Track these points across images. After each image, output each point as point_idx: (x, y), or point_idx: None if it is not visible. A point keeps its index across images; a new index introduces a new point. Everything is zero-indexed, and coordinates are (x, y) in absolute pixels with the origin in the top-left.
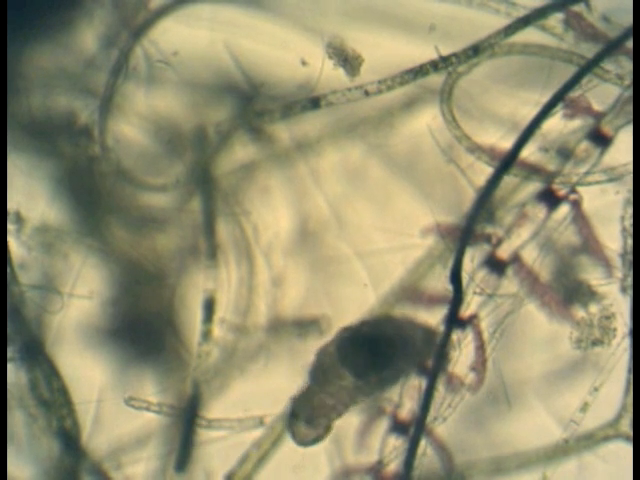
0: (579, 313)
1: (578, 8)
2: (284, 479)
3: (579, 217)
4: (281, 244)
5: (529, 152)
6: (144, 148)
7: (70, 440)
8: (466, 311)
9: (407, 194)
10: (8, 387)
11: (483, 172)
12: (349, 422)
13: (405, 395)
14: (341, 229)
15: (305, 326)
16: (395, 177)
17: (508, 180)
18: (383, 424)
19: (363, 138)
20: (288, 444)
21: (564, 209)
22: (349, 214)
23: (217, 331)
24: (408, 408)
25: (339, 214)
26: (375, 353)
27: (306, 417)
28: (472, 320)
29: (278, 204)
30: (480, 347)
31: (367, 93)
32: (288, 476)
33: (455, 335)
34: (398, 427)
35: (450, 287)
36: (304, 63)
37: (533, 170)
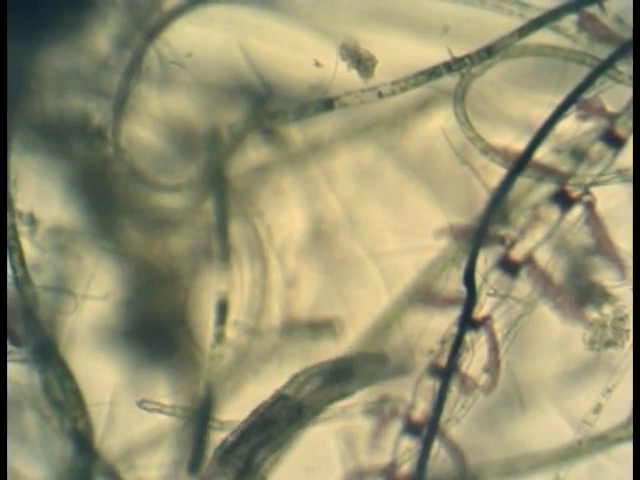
0: (592, 314)
1: (591, 9)
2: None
3: (592, 218)
4: (294, 245)
5: (543, 153)
6: (157, 149)
7: (83, 441)
8: (479, 312)
9: (420, 195)
10: (21, 388)
11: (496, 173)
12: (362, 423)
13: (418, 396)
14: (354, 230)
15: (318, 328)
16: (408, 178)
17: (521, 181)
18: (396, 425)
19: (376, 139)
20: (300, 445)
21: (577, 210)
22: (362, 215)
23: (230, 333)
24: (421, 409)
25: (352, 215)
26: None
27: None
28: (485, 321)
29: (291, 205)
30: (493, 348)
31: (381, 95)
32: (300, 477)
33: (468, 337)
34: (411, 428)
35: (463, 288)
36: (318, 64)
37: (547, 171)
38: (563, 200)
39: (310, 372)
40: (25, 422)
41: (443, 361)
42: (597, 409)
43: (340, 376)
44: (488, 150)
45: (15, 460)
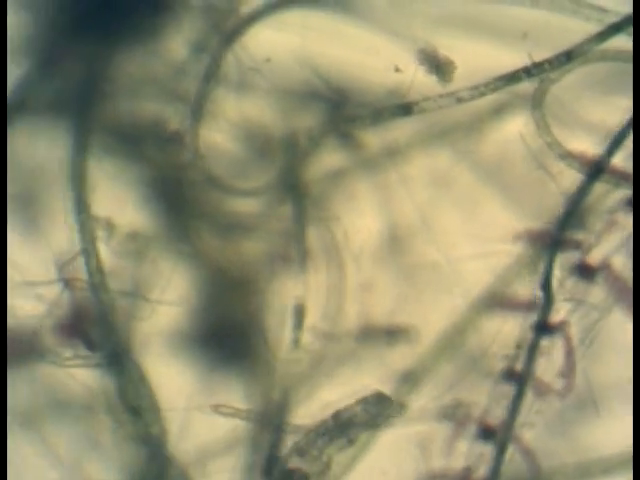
0: None
1: None
2: None
3: None
4: (370, 250)
5: (620, 159)
6: (234, 154)
7: (156, 447)
8: (555, 318)
9: (495, 200)
10: (95, 393)
11: (573, 179)
12: (436, 428)
13: (493, 401)
14: (429, 235)
15: (394, 334)
16: (483, 183)
17: (599, 187)
18: (470, 430)
19: (452, 144)
20: (374, 449)
21: None
22: (437, 220)
23: (306, 337)
24: (495, 414)
25: (427, 220)
26: None
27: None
28: (562, 327)
29: (366, 210)
30: (569, 353)
31: (460, 100)
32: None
33: (544, 342)
34: (485, 433)
35: (540, 293)
36: (397, 70)
37: (623, 177)
38: None
39: (311, 436)
40: (98, 427)
41: (518, 366)
42: None
43: (342, 429)
44: (565, 155)
45: (88, 466)
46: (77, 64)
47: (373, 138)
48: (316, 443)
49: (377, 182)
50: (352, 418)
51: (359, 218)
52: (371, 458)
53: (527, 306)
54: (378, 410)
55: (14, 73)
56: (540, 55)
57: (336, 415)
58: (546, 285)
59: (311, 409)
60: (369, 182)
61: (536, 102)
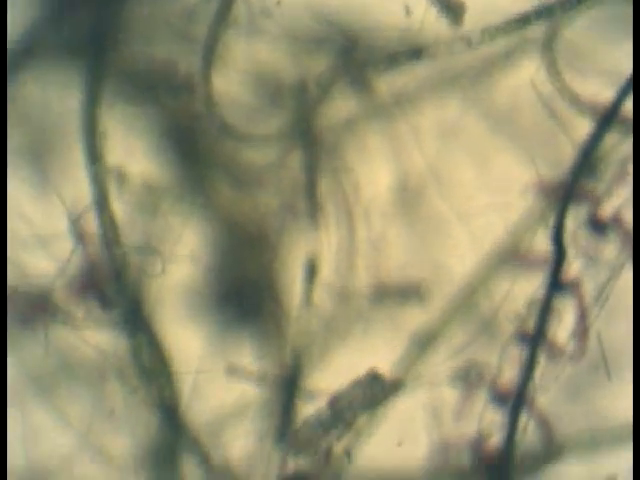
0: None
1: None
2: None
3: None
4: (381, 204)
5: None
6: (244, 101)
7: (169, 411)
8: (568, 275)
9: (507, 150)
10: (108, 356)
11: (585, 127)
12: (448, 393)
13: (505, 362)
14: (440, 188)
15: (405, 292)
16: (494, 133)
17: (610, 137)
18: (482, 394)
19: (463, 91)
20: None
21: None
22: (448, 172)
23: (318, 295)
24: (508, 376)
25: (438, 172)
26: None
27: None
28: (574, 284)
29: (377, 162)
30: (582, 314)
31: (470, 43)
32: (390, 451)
33: (556, 301)
34: (498, 396)
35: (552, 247)
36: (408, 11)
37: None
38: None
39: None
40: (110, 392)
41: (530, 326)
42: None
43: (339, 415)
44: (577, 102)
45: (100, 431)
46: (87, 9)
47: (383, 84)
48: (315, 433)
49: (388, 133)
50: (348, 403)
51: (370, 170)
52: (385, 428)
53: (539, 261)
54: (373, 391)
55: (23, 19)
56: None
57: (332, 402)
58: (558, 238)
59: (324, 372)
60: (380, 133)
61: (546, 46)
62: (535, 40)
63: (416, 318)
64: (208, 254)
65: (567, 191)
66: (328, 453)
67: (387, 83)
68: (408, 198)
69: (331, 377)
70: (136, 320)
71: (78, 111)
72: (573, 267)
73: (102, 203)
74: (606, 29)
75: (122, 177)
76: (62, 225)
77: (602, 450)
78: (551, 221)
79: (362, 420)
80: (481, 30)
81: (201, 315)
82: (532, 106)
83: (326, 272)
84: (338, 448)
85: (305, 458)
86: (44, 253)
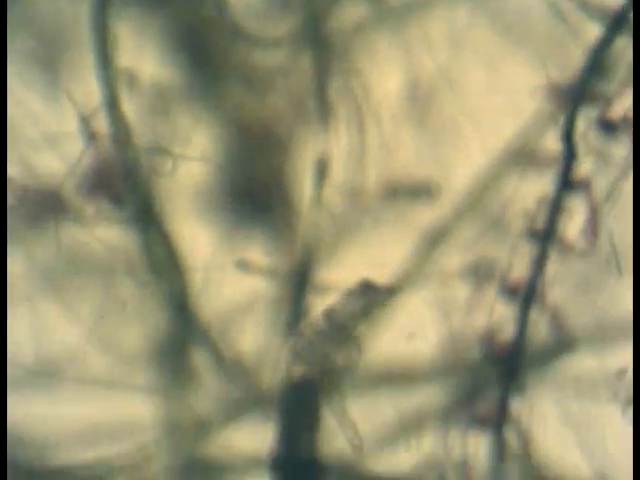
0: None
1: None
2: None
3: None
4: (390, 107)
5: None
6: (255, 3)
7: (179, 304)
8: (578, 174)
9: (517, 54)
10: (118, 252)
11: (595, 30)
12: (458, 288)
13: (515, 259)
14: (450, 91)
15: (415, 191)
16: (505, 36)
17: (620, 40)
18: (492, 289)
19: None
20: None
21: None
22: (458, 74)
23: (328, 194)
24: (517, 271)
25: (448, 74)
26: None
27: None
28: (584, 183)
29: (387, 64)
30: (592, 211)
31: None
32: (400, 344)
33: (566, 198)
34: (508, 291)
35: (563, 146)
36: None
37: None
38: None
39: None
40: (120, 287)
41: (539, 223)
42: None
43: (335, 325)
44: (587, 5)
45: (109, 327)
46: None
47: None
48: (314, 345)
49: (398, 37)
50: (343, 313)
51: (381, 73)
52: (395, 324)
53: (549, 160)
54: (367, 300)
55: None
56: None
57: (327, 313)
58: (568, 137)
59: (333, 269)
60: (390, 37)
61: None
62: None
63: (426, 215)
64: (218, 155)
65: (577, 92)
66: (331, 359)
67: None
68: (418, 100)
69: (341, 272)
70: (147, 217)
71: (89, 13)
72: (583, 167)
73: (113, 104)
74: None
75: (133, 79)
76: (72, 125)
77: (613, 344)
78: (561, 122)
79: (360, 329)
80: None
81: (211, 212)
82: (542, 10)
83: (336, 172)
84: (339, 356)
85: (307, 367)
86: (54, 153)
